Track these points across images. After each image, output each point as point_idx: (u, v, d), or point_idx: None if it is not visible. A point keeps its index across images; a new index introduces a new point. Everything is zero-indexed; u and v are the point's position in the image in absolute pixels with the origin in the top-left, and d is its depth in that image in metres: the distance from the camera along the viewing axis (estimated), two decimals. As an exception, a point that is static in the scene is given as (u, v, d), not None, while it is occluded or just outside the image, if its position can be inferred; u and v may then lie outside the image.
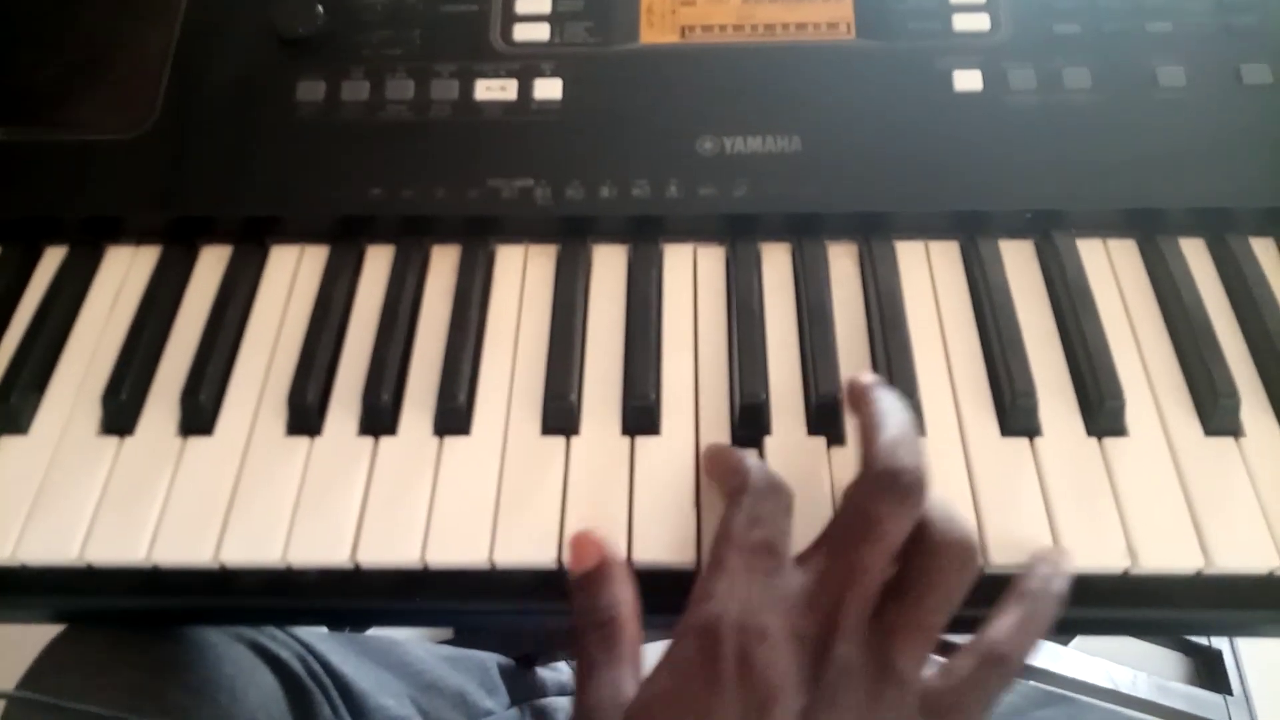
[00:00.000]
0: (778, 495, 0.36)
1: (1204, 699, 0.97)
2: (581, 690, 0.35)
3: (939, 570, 0.33)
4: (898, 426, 0.35)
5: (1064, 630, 0.34)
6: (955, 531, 0.34)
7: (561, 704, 0.81)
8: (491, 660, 0.75)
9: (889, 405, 0.37)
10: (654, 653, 0.35)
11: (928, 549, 0.34)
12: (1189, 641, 1.04)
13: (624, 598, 0.36)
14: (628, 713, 0.33)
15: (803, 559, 0.34)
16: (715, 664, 0.32)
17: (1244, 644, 1.02)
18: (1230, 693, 0.99)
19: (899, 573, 0.34)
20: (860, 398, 0.38)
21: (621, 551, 0.39)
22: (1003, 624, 0.34)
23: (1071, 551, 0.38)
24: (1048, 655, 0.92)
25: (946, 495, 0.35)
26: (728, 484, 0.37)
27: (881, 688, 0.32)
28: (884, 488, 0.34)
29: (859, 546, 0.33)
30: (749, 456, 0.38)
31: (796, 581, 0.33)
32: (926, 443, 0.39)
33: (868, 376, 0.39)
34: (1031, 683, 0.75)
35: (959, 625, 0.36)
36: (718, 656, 0.32)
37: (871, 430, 0.36)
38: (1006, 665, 0.33)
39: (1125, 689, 0.92)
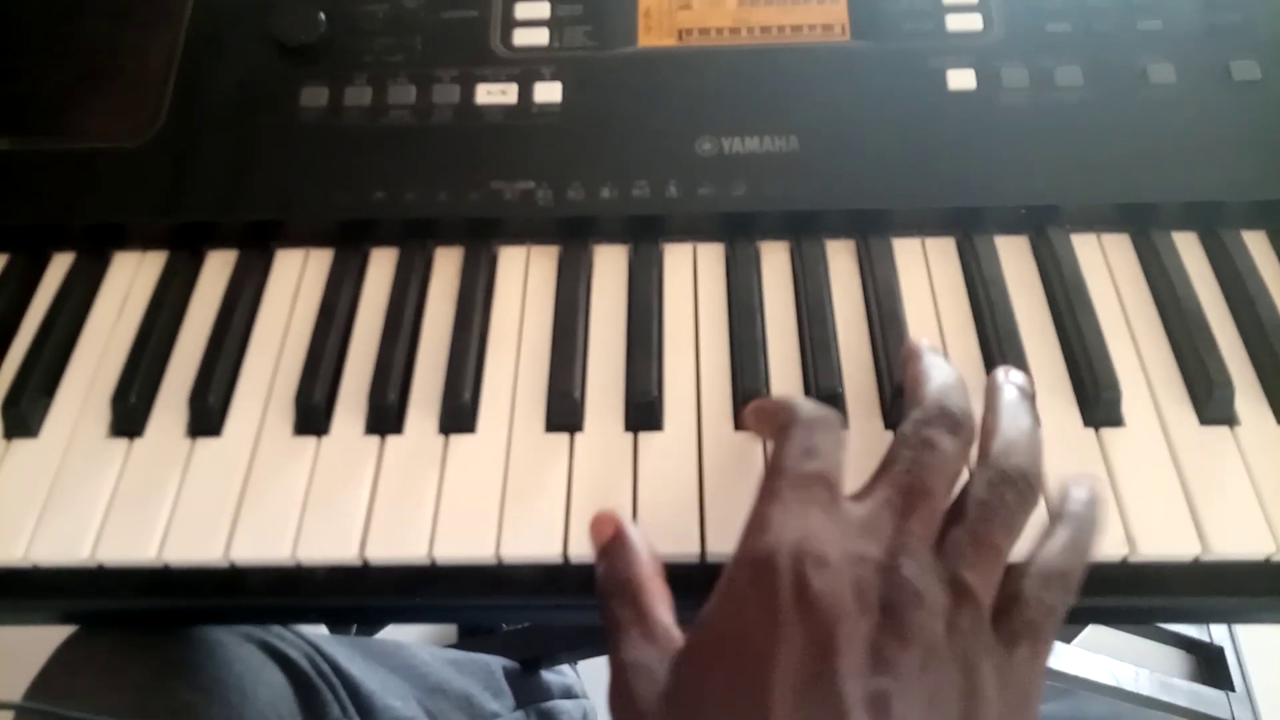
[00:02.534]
0: (829, 426, 0.35)
1: (1207, 695, 0.97)
2: (615, 652, 0.34)
3: (997, 494, 0.33)
4: (946, 374, 0.36)
5: (1064, 620, 0.34)
6: (1011, 459, 0.34)
7: (566, 707, 0.81)
8: (497, 663, 0.76)
9: (935, 361, 0.38)
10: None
11: (985, 475, 0.33)
12: (1191, 638, 1.04)
13: (640, 558, 0.35)
14: (678, 659, 0.32)
15: (860, 495, 0.34)
16: (772, 596, 0.30)
17: (1246, 640, 1.03)
18: (1233, 689, 0.99)
19: (958, 499, 0.33)
20: (911, 357, 0.39)
21: (633, 523, 0.38)
22: (1053, 544, 0.33)
23: (1092, 476, 0.37)
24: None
25: (1018, 427, 0.35)
26: (775, 421, 0.36)
27: (954, 608, 0.30)
28: (936, 418, 0.34)
29: (918, 473, 0.33)
30: (797, 397, 0.37)
31: (859, 511, 0.32)
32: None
33: (923, 341, 0.40)
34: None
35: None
36: (774, 588, 0.30)
37: (921, 380, 0.36)
38: (1065, 582, 0.33)
39: (1128, 686, 0.92)
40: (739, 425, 0.43)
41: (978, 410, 0.36)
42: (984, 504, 0.33)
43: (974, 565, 0.31)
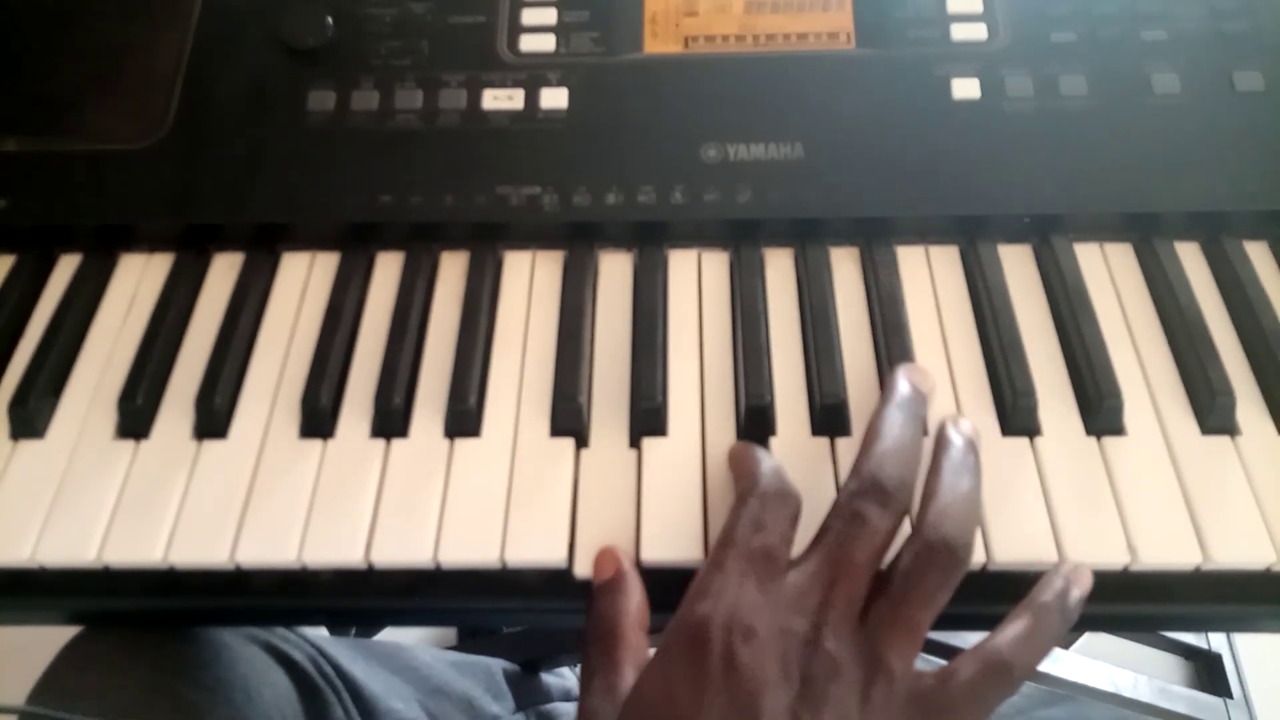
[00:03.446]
0: (784, 502, 0.36)
1: (1205, 702, 0.97)
2: (583, 693, 0.36)
3: (920, 569, 0.34)
4: (894, 438, 0.37)
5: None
6: (940, 531, 0.35)
7: (566, 709, 0.81)
8: (497, 665, 0.76)
9: (894, 416, 0.38)
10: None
11: (913, 546, 0.35)
12: (1189, 645, 1.04)
13: (628, 609, 0.37)
14: (622, 711, 0.34)
15: (798, 561, 0.35)
16: (702, 663, 0.33)
17: (1244, 647, 1.03)
18: (1230, 696, 0.99)
19: (885, 571, 0.35)
20: (882, 402, 0.39)
21: (633, 566, 0.39)
22: (1008, 633, 0.35)
23: (1085, 567, 0.38)
24: (1049, 658, 0.92)
25: (954, 494, 0.36)
26: (739, 483, 0.38)
27: (870, 682, 0.33)
28: (868, 490, 0.35)
29: (846, 546, 0.34)
30: (766, 459, 0.38)
31: (791, 583, 0.34)
32: (927, 443, 0.39)
33: (908, 374, 0.40)
34: (1032, 685, 0.75)
35: (959, 622, 0.37)
36: (705, 655, 0.33)
37: (871, 440, 0.37)
38: (1007, 673, 0.34)
39: (1127, 692, 0.92)
40: (742, 432, 0.43)
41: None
42: (907, 577, 0.34)
43: (891, 642, 0.33)
